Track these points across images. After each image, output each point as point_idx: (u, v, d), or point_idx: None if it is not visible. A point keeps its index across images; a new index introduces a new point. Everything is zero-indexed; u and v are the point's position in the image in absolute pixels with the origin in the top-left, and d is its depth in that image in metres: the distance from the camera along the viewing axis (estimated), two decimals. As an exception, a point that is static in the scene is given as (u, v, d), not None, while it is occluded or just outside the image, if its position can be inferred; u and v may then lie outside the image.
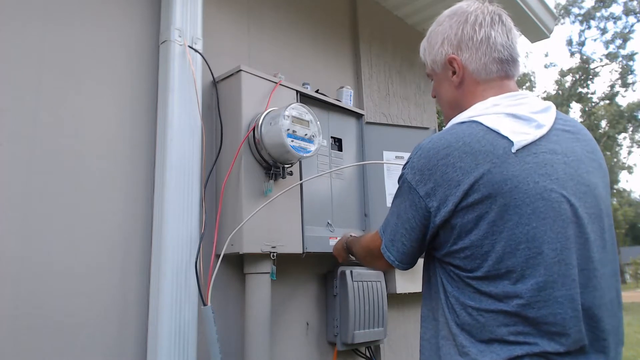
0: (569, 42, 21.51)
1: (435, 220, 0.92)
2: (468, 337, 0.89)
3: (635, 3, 18.67)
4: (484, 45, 1.02)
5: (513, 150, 0.88)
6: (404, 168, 1.00)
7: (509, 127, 0.91)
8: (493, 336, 0.86)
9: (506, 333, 0.85)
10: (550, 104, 1.00)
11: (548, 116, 0.96)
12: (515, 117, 0.94)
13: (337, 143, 1.91)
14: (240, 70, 1.54)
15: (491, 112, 0.95)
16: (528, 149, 0.90)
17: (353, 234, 1.52)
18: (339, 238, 1.62)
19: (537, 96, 1.06)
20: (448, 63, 1.06)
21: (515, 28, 1.07)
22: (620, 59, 19.79)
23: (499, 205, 0.86)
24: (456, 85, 1.06)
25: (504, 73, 1.03)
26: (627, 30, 19.42)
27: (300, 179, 1.65)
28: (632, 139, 22.19)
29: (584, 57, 20.69)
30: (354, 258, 1.45)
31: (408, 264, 1.04)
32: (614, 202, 24.50)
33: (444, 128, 1.04)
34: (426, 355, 0.99)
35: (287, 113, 1.45)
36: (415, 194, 0.95)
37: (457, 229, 0.90)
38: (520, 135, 0.90)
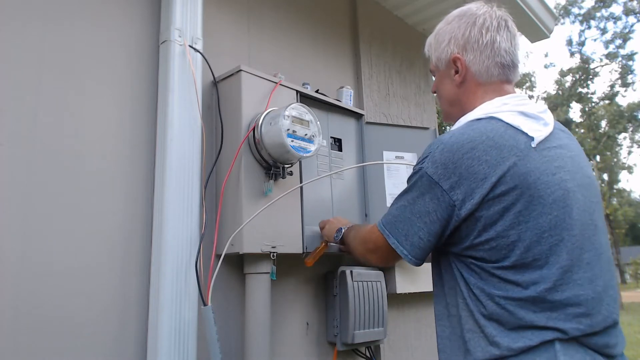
0: (569, 42, 21.45)
1: (460, 213, 0.94)
2: (497, 327, 0.91)
3: (635, 3, 18.67)
4: (489, 49, 1.07)
5: (533, 145, 0.94)
6: (421, 162, 1.01)
7: (525, 123, 0.97)
8: (523, 323, 0.89)
9: (535, 319, 0.88)
10: (546, 106, 1.08)
11: (549, 116, 1.03)
12: (526, 115, 0.99)
13: (337, 143, 1.91)
14: (240, 70, 1.54)
15: (504, 109, 1.00)
16: (543, 143, 0.96)
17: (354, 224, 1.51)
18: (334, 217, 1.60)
19: (537, 96, 1.11)
20: (452, 62, 1.10)
21: (518, 34, 1.12)
22: (620, 59, 19.79)
23: (524, 197, 0.91)
24: (457, 84, 1.10)
25: (504, 77, 1.08)
26: (627, 30, 19.41)
27: (300, 179, 1.65)
28: (632, 139, 22.17)
29: (584, 57, 20.69)
30: (337, 244, 1.43)
31: (421, 260, 1.04)
32: (614, 202, 24.47)
33: (451, 127, 1.05)
34: (448, 352, 1.00)
35: (287, 113, 1.45)
36: (437, 188, 0.96)
37: (482, 221, 0.92)
38: (535, 131, 0.96)
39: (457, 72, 1.10)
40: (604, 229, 1.00)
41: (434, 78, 1.21)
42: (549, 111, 1.04)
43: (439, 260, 1.06)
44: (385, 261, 1.12)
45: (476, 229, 0.93)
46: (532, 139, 0.94)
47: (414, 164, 1.05)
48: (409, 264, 1.05)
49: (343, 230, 1.44)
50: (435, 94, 1.21)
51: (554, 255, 0.90)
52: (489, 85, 1.07)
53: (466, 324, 0.95)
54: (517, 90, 1.15)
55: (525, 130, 0.95)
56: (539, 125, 0.98)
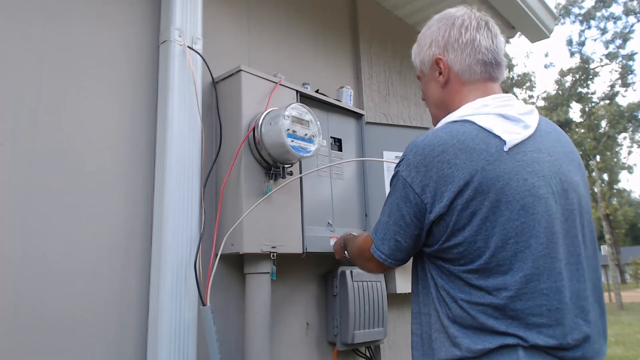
0: (569, 42, 21.43)
1: (429, 217, 0.95)
2: (459, 328, 0.91)
3: (635, 3, 18.67)
4: (469, 47, 1.07)
5: (505, 149, 0.92)
6: (397, 166, 1.02)
7: (501, 126, 0.95)
8: (483, 327, 0.89)
9: (495, 325, 0.88)
10: (533, 107, 1.05)
11: (533, 118, 1.01)
12: (504, 117, 0.98)
13: (337, 143, 1.91)
14: (240, 70, 1.54)
15: (482, 112, 0.99)
16: (518, 147, 0.94)
17: (354, 233, 1.53)
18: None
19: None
20: (435, 63, 1.11)
21: (501, 34, 1.11)
22: (620, 59, 19.79)
23: (491, 202, 0.90)
24: (442, 84, 1.10)
25: (487, 75, 1.07)
26: (627, 30, 19.42)
27: (300, 179, 1.65)
28: (632, 139, 22.16)
29: (584, 57, 20.69)
30: (348, 256, 1.46)
31: (400, 261, 1.05)
32: (614, 202, 24.47)
33: (435, 127, 1.06)
34: (420, 350, 1.01)
35: (287, 113, 1.45)
36: (410, 190, 0.97)
37: (451, 226, 0.92)
38: (511, 134, 0.94)
39: (440, 73, 1.10)
40: (586, 238, 0.98)
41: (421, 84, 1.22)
42: (534, 113, 1.02)
43: (416, 259, 1.07)
44: (381, 268, 1.12)
45: (445, 234, 0.93)
46: (504, 142, 0.92)
47: None
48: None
49: (344, 241, 1.48)
50: (424, 102, 1.22)
51: (519, 262, 0.88)
52: (473, 84, 1.07)
53: (435, 323, 0.97)
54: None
55: (499, 134, 0.93)
56: (517, 127, 0.96)
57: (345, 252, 1.47)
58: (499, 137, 0.93)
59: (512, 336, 0.87)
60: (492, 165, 0.91)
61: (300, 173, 1.66)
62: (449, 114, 1.06)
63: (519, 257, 0.88)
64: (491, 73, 1.07)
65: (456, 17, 1.10)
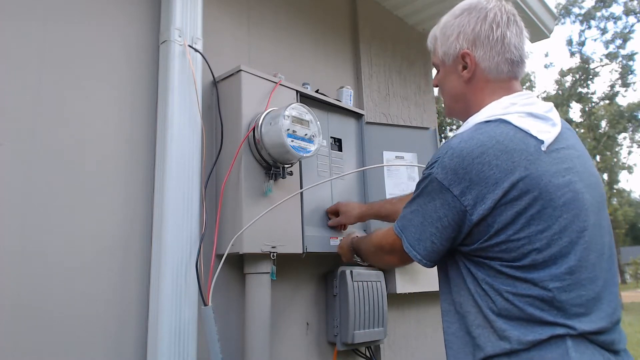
0: (569, 42, 21.44)
1: (471, 219, 0.93)
2: (507, 321, 0.91)
3: (635, 3, 18.67)
4: (499, 45, 1.04)
5: (543, 148, 0.93)
6: (430, 168, 1.00)
7: (535, 126, 0.96)
8: (531, 318, 0.89)
9: (543, 315, 0.89)
10: (551, 104, 1.05)
11: (557, 115, 1.02)
12: (534, 116, 0.98)
13: (337, 143, 1.91)
14: (240, 70, 1.54)
15: (512, 111, 0.98)
16: (551, 145, 0.95)
17: (357, 234, 1.52)
18: (342, 237, 1.63)
19: (537, 96, 1.09)
20: (461, 57, 1.07)
21: (525, 29, 1.10)
22: (620, 59, 19.79)
23: (536, 200, 0.90)
24: (466, 80, 1.08)
25: (513, 74, 1.07)
26: (627, 30, 19.42)
27: (301, 179, 1.65)
28: (632, 139, 22.14)
29: (584, 57, 20.69)
30: (359, 259, 1.45)
31: (434, 262, 1.04)
32: (614, 202, 24.46)
33: (452, 124, 1.05)
34: (455, 349, 1.00)
35: (287, 113, 1.45)
36: (448, 194, 0.95)
37: (495, 226, 0.92)
38: (545, 133, 0.95)
39: (464, 67, 1.07)
40: (608, 228, 1.00)
41: (435, 71, 1.18)
42: (555, 110, 1.03)
43: (445, 257, 1.05)
44: (402, 262, 1.12)
45: (488, 233, 0.93)
46: (541, 142, 0.93)
47: (415, 164, 1.05)
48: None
49: (352, 243, 1.47)
50: (436, 88, 1.19)
51: (564, 256, 0.90)
52: (498, 83, 1.05)
53: (475, 319, 0.95)
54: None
55: (534, 134, 0.94)
56: (547, 126, 0.97)
57: (354, 256, 1.47)
58: (535, 137, 0.94)
59: (561, 326, 0.87)
60: (534, 165, 0.91)
61: (300, 173, 1.66)
62: (467, 108, 1.06)
63: (564, 252, 0.90)
64: (516, 72, 1.07)
65: (488, 9, 1.05)
